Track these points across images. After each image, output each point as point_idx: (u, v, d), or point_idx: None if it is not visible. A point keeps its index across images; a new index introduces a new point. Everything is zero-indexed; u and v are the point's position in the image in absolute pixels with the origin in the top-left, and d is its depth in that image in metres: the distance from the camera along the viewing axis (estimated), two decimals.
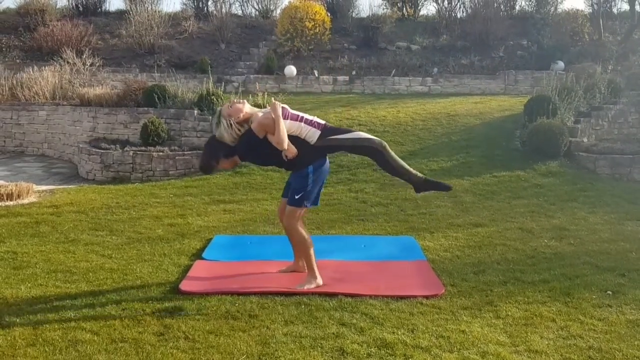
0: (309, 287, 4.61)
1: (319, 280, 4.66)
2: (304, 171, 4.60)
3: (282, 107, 4.61)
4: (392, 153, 4.71)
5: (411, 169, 4.80)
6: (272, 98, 4.77)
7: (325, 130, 4.62)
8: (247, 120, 4.60)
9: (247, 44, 17.05)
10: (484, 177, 8.66)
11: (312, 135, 4.56)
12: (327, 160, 4.78)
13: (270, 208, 7.50)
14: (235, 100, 4.74)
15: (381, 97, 13.51)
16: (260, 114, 4.60)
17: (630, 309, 4.30)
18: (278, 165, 4.76)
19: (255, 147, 4.56)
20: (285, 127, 4.44)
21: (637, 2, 16.66)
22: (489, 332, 3.90)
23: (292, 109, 4.66)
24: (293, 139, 4.54)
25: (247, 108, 4.64)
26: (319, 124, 4.63)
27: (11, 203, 7.71)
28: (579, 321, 4.08)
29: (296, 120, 4.57)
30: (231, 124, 4.55)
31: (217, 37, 16.77)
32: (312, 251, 4.71)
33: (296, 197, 4.61)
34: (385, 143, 4.73)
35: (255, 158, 4.90)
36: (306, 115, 4.65)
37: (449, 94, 14.13)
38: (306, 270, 4.77)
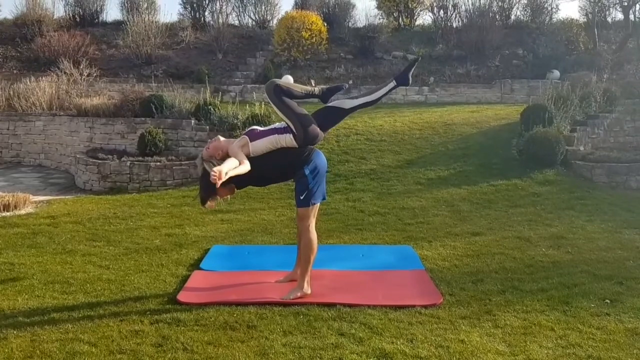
0: (295, 295, 4.61)
1: (307, 290, 4.65)
2: (301, 173, 4.65)
3: (252, 129, 4.76)
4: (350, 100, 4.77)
5: (382, 86, 4.82)
6: (216, 138, 4.85)
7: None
8: (227, 153, 4.64)
9: (244, 53, 17.09)
10: (481, 186, 8.68)
11: (291, 139, 4.60)
12: (321, 155, 4.80)
13: (267, 218, 7.49)
14: (209, 141, 4.83)
15: (378, 106, 13.42)
16: (235, 144, 4.68)
17: (628, 317, 4.30)
18: (277, 182, 4.79)
19: (246, 175, 4.59)
20: (237, 164, 4.43)
21: (631, 12, 16.81)
22: (488, 341, 3.89)
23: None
24: (278, 150, 4.62)
25: (222, 141, 4.74)
26: (289, 127, 4.64)
27: (8, 214, 7.69)
28: (578, 330, 4.08)
29: (270, 134, 4.65)
30: (214, 165, 4.59)
31: (214, 47, 16.81)
32: (312, 259, 4.72)
33: (301, 197, 4.66)
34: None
35: (252, 183, 4.88)
36: (277, 125, 4.76)
37: (445, 103, 14.18)
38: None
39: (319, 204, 4.85)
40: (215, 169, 4.24)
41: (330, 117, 4.80)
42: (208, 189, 4.66)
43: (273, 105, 4.63)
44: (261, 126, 4.90)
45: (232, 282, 5.04)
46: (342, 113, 4.79)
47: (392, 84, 4.79)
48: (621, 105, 11.36)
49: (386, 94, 4.82)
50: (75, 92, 13.11)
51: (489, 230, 6.81)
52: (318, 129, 4.63)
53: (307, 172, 4.64)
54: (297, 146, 4.61)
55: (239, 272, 5.34)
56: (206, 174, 4.66)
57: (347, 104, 4.76)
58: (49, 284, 5.00)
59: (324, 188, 4.85)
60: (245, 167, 4.44)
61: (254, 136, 4.66)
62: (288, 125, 4.60)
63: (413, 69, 4.82)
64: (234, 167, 4.38)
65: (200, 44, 17.36)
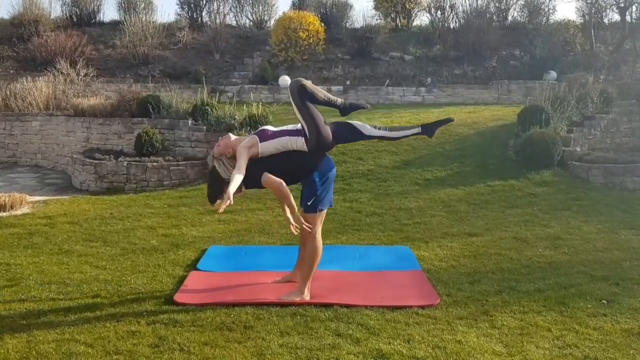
0: (294, 298, 4.59)
1: (306, 296, 4.63)
2: (310, 178, 4.63)
3: (263, 130, 4.70)
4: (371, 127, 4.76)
5: (405, 128, 4.89)
6: (227, 135, 4.88)
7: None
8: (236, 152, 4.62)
9: (242, 54, 17.09)
10: (478, 187, 8.69)
11: (302, 143, 4.58)
12: (331, 161, 4.78)
13: (265, 218, 7.49)
14: (220, 138, 4.80)
15: (375, 107, 13.53)
16: (243, 144, 4.65)
17: (625, 317, 4.31)
18: (287, 184, 4.74)
19: (253, 174, 4.57)
20: (241, 180, 4.45)
21: (627, 13, 16.86)
22: (485, 342, 3.90)
23: (276, 127, 4.75)
24: (288, 153, 4.60)
25: (233, 139, 4.71)
26: (302, 130, 4.61)
27: (4, 214, 7.67)
28: (575, 330, 4.09)
29: (281, 135, 4.62)
30: (224, 163, 4.59)
31: (211, 48, 16.81)
32: (315, 266, 4.71)
33: (308, 203, 4.64)
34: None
35: (259, 184, 4.75)
36: (289, 127, 4.70)
37: (442, 104, 14.20)
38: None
39: (325, 211, 4.82)
40: (224, 201, 4.33)
41: (347, 134, 4.77)
42: (216, 187, 4.66)
43: (293, 105, 4.57)
44: (272, 127, 4.82)
45: (229, 282, 5.03)
46: (359, 136, 4.79)
47: (417, 129, 4.82)
48: (618, 107, 11.39)
49: (408, 136, 4.90)
50: (72, 92, 13.09)
51: (485, 231, 6.81)
52: (331, 138, 4.61)
53: (316, 178, 4.62)
54: (306, 150, 4.58)
55: (236, 272, 5.34)
56: (215, 173, 4.66)
57: (368, 130, 4.74)
58: (45, 285, 4.99)
59: (331, 195, 4.82)
60: (240, 178, 4.43)
61: (265, 137, 4.61)
62: (302, 129, 4.57)
63: (442, 126, 4.89)
64: (236, 186, 4.38)
65: (197, 44, 17.36)
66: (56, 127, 12.24)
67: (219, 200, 4.71)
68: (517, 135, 10.11)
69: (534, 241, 6.38)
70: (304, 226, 4.59)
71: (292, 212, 4.59)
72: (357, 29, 17.82)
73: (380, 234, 6.80)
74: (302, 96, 4.51)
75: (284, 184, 4.51)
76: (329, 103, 4.65)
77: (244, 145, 4.58)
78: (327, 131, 4.58)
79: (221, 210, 4.36)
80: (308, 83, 4.57)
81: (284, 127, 4.72)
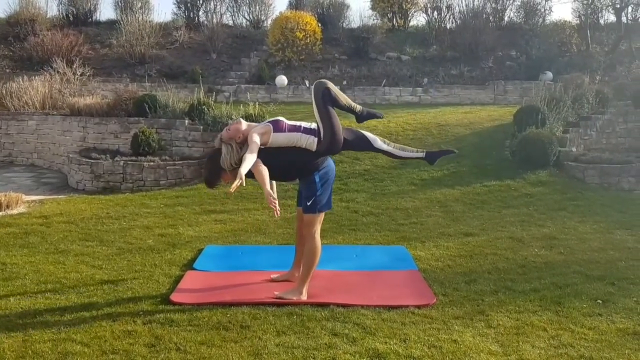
0: (290, 297, 4.58)
1: (304, 296, 4.62)
2: (310, 178, 4.62)
3: (278, 120, 4.64)
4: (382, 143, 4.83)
5: (410, 150, 4.99)
6: (238, 120, 4.81)
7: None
8: (247, 138, 4.56)
9: (238, 54, 17.09)
10: (475, 187, 8.71)
11: (312, 142, 4.58)
12: (332, 162, 4.79)
13: (261, 218, 7.49)
14: (230, 122, 4.76)
15: (372, 107, 13.52)
16: (257, 129, 4.60)
17: (620, 317, 4.33)
18: (284, 180, 4.72)
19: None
20: (252, 162, 4.40)
21: (623, 14, 16.92)
22: (481, 341, 3.91)
23: (289, 120, 4.70)
24: (294, 149, 4.58)
25: (244, 125, 4.66)
26: (316, 130, 4.62)
27: (0, 213, 7.65)
28: (570, 330, 4.10)
29: (294, 131, 4.59)
30: (232, 147, 4.55)
31: (208, 47, 16.81)
32: (315, 266, 4.70)
33: (308, 203, 4.63)
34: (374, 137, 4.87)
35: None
36: (304, 124, 4.67)
37: (439, 104, 14.22)
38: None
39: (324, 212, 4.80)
40: (236, 181, 4.25)
41: (358, 142, 4.81)
42: (214, 172, 4.64)
43: (314, 105, 4.57)
44: (286, 119, 4.74)
45: (226, 282, 5.03)
46: (368, 147, 4.84)
47: (422, 154, 4.95)
48: (613, 107, 11.43)
49: (411, 158, 5.05)
50: (68, 92, 13.07)
51: (481, 231, 6.83)
52: (342, 143, 4.64)
53: (317, 178, 4.61)
54: (314, 150, 4.57)
55: (232, 272, 5.34)
56: (214, 157, 4.63)
57: (378, 144, 4.81)
58: (41, 284, 4.98)
59: (330, 197, 4.81)
60: (253, 159, 4.38)
61: (278, 129, 4.57)
62: (317, 129, 4.57)
63: (443, 156, 5.12)
64: (248, 166, 4.35)
65: (194, 43, 17.34)
66: (52, 126, 12.22)
67: (217, 184, 4.71)
68: (513, 136, 10.14)
69: (529, 241, 6.40)
70: (275, 209, 4.39)
71: (264, 187, 4.41)
72: (354, 29, 17.84)
73: (376, 233, 6.81)
74: (325, 98, 4.54)
75: (261, 162, 4.43)
76: (349, 109, 4.72)
77: (257, 131, 4.53)
78: (341, 137, 4.61)
79: (233, 190, 4.30)
80: (332, 86, 4.60)
81: (299, 123, 4.67)
